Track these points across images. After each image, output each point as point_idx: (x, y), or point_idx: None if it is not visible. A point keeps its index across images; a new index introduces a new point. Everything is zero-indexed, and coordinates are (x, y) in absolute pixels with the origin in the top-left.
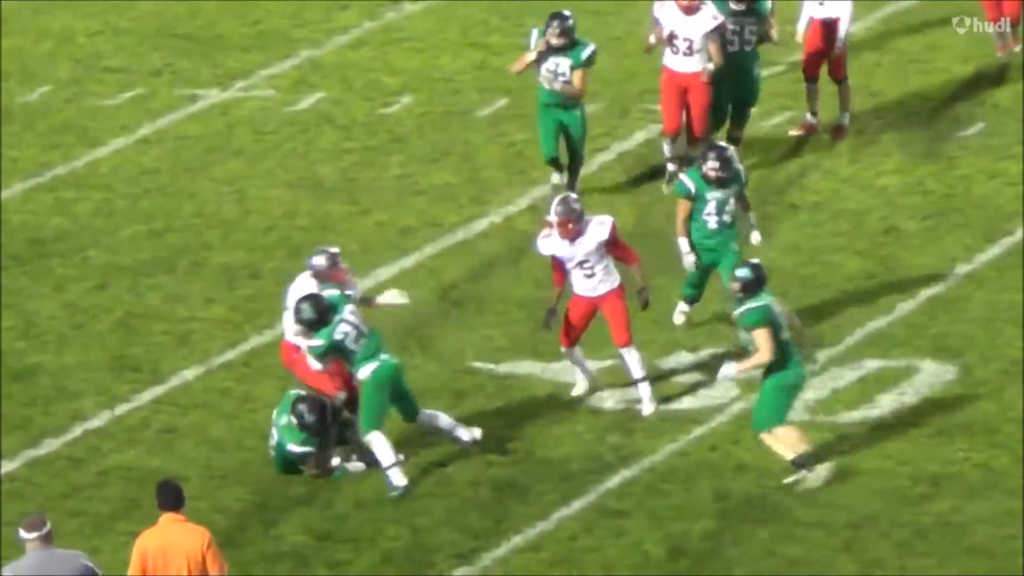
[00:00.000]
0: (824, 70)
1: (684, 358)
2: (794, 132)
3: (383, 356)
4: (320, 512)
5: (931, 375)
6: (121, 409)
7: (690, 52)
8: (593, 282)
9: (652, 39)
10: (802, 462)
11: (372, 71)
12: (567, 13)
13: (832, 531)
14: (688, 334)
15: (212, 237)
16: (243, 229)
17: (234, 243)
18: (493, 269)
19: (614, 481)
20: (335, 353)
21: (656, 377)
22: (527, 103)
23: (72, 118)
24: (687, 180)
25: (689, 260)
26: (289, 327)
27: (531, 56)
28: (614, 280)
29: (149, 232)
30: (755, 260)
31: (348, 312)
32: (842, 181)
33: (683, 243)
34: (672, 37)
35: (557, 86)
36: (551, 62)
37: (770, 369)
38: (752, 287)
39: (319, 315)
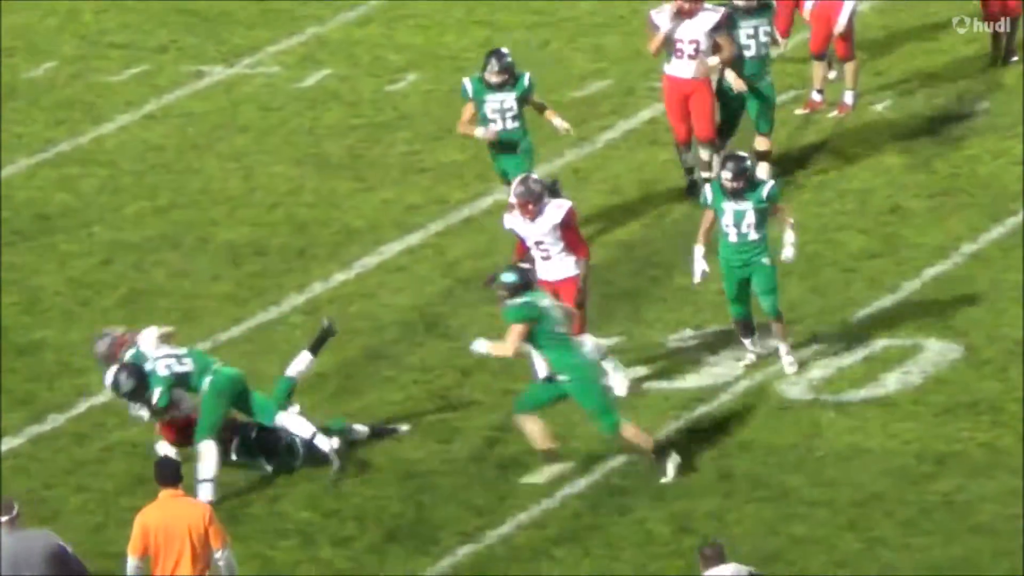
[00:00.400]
0: (831, 49)
1: (689, 336)
2: (800, 110)
3: (216, 367)
4: (325, 489)
5: (936, 354)
6: None
7: (695, 55)
8: (549, 265)
9: (653, 46)
10: (550, 458)
11: (378, 48)
12: (504, 50)
13: (837, 509)
14: (694, 312)
15: (217, 213)
16: (249, 205)
17: (240, 219)
18: (498, 246)
19: (619, 459)
20: (179, 387)
21: (661, 355)
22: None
23: (77, 94)
24: (707, 190)
25: (698, 270)
26: (137, 410)
27: (488, 134)
28: (571, 269)
29: (154, 208)
30: (524, 265)
31: (152, 351)
32: (847, 160)
33: (697, 250)
34: (675, 42)
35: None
36: (495, 100)
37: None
38: (516, 290)
39: (138, 377)
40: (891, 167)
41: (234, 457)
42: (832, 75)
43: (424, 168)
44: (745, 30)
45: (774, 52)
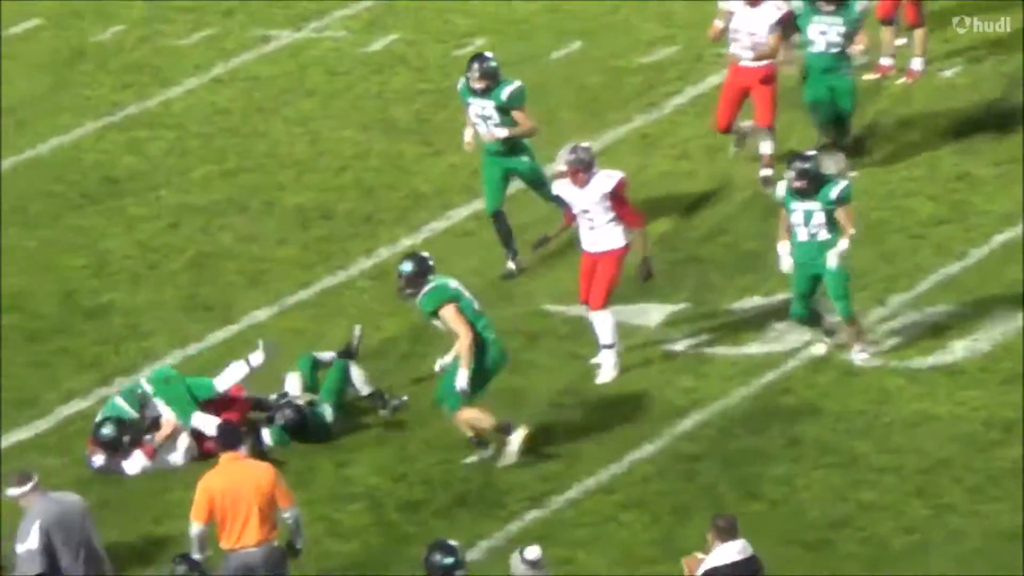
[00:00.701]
0: (900, 14)
1: (757, 303)
2: (869, 76)
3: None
4: (394, 453)
5: (1003, 321)
6: (193, 348)
7: (753, 46)
8: (594, 236)
9: (713, 31)
10: (479, 442)
11: (445, 13)
12: (488, 54)
13: (904, 476)
14: (761, 279)
15: (284, 177)
16: (316, 170)
17: (307, 184)
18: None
19: (687, 424)
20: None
21: (729, 322)
22: (601, 46)
23: (145, 57)
24: (779, 187)
25: (785, 264)
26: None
27: (503, 132)
28: (615, 241)
29: (221, 172)
30: (423, 253)
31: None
32: (916, 126)
33: (781, 247)
34: (734, 31)
35: (499, 133)
36: (477, 106)
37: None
38: (415, 279)
39: (118, 430)
40: (960, 134)
41: (269, 443)
42: (901, 42)
43: None
44: (818, 26)
45: (858, 57)
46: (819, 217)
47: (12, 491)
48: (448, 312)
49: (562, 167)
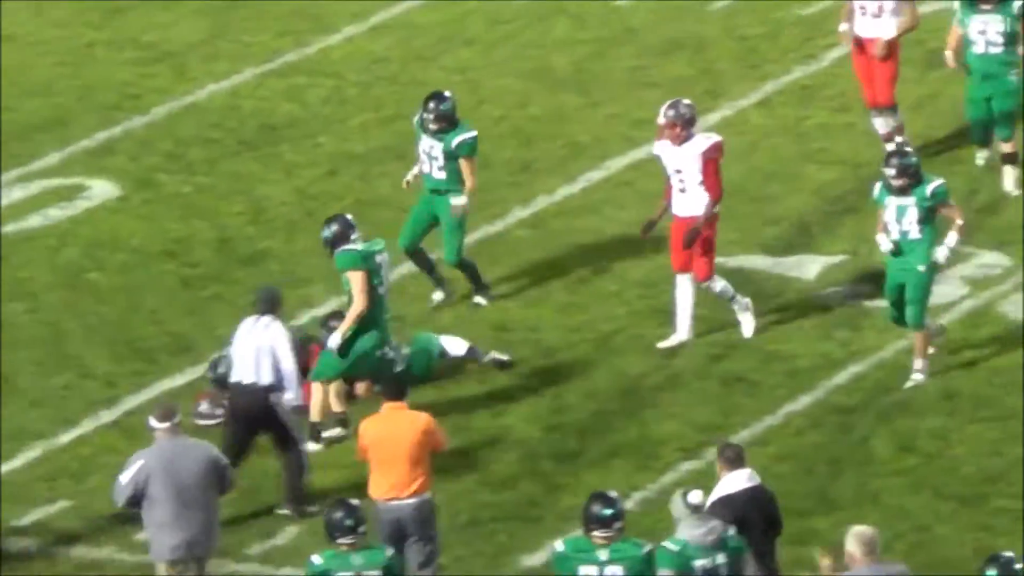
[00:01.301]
0: None
1: None
2: None
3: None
4: (548, 404)
5: None
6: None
7: (879, 13)
8: (684, 199)
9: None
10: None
11: None
12: (447, 93)
13: None
14: None
15: None
16: (474, 118)
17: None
18: (724, 163)
19: (842, 377)
20: None
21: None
22: None
23: (304, 5)
24: (877, 186)
25: (884, 245)
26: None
27: (461, 202)
28: (701, 207)
29: (379, 119)
30: (347, 215)
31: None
32: None
33: (881, 240)
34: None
35: (457, 203)
36: (426, 143)
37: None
38: (334, 242)
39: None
40: None
41: None
42: None
43: (651, 83)
44: (976, 26)
45: None
46: (913, 214)
47: (152, 422)
48: (352, 279)
49: (661, 121)
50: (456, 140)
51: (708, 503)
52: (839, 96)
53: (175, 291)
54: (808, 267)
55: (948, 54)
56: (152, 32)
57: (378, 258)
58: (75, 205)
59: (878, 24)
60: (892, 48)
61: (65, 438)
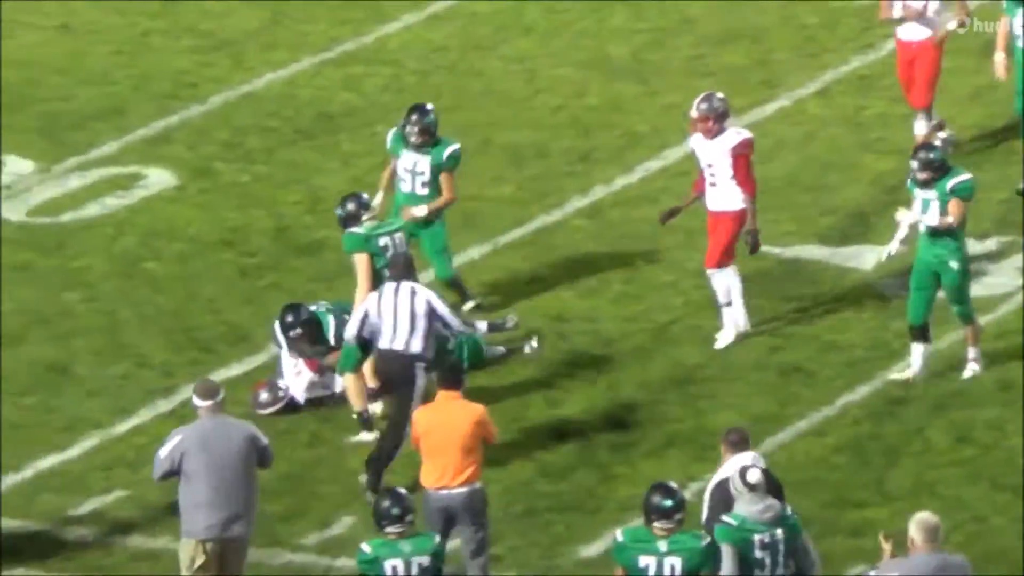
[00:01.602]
0: None
1: (970, 247)
2: None
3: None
4: (604, 393)
5: None
6: None
7: (922, 14)
8: (715, 193)
9: (883, 11)
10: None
11: None
12: (429, 107)
13: None
14: (975, 222)
15: (500, 115)
16: (531, 107)
17: (522, 121)
18: (781, 153)
19: (899, 367)
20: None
21: None
22: None
23: None
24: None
25: (892, 247)
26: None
27: (422, 212)
28: (734, 202)
29: (437, 109)
30: (363, 195)
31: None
32: None
33: (901, 228)
34: (902, 1)
35: (418, 213)
36: (408, 159)
37: None
38: (345, 222)
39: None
40: None
41: None
42: None
43: (708, 72)
44: (1019, 19)
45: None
46: (935, 208)
47: (194, 399)
48: (357, 262)
49: (693, 114)
50: (447, 151)
51: (710, 486)
52: (897, 86)
53: (232, 280)
54: (865, 257)
55: (997, 58)
56: (209, 21)
57: (383, 240)
58: (132, 194)
59: (918, 27)
60: (936, 50)
61: (122, 427)
